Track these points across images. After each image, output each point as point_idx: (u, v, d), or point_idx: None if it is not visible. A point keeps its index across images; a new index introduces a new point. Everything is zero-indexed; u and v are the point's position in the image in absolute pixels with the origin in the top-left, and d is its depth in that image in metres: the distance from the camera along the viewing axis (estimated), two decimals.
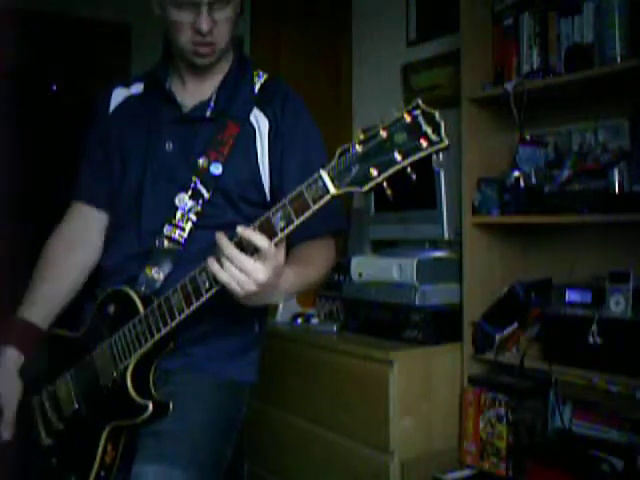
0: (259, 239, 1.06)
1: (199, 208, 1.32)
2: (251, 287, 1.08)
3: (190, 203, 1.32)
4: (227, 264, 1.08)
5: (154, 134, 1.37)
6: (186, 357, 1.33)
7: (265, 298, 1.16)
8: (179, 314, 1.18)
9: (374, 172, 0.97)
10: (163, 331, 1.20)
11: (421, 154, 0.94)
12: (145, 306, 1.24)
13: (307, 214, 1.04)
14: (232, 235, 1.11)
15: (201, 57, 1.33)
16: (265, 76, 1.43)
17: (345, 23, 3.21)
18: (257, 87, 1.40)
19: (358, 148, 0.98)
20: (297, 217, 1.05)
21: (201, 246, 1.28)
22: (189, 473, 1.23)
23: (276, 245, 1.08)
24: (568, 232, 2.21)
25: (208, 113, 1.37)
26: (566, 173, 2.08)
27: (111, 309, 1.30)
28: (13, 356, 1.35)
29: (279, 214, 1.06)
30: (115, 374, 1.25)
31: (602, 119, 2.16)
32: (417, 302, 2.23)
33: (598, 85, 2.02)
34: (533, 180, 2.13)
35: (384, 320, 2.34)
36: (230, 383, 1.37)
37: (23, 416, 1.35)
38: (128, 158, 1.40)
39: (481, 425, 2.17)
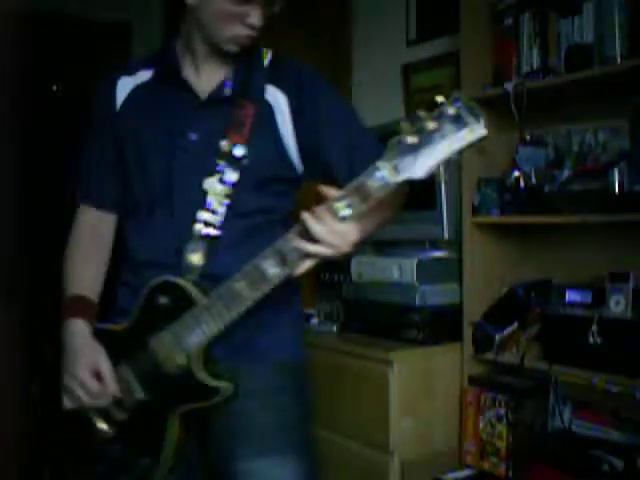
0: (333, 223, 1.12)
1: (229, 191, 1.31)
2: (344, 248, 1.14)
3: (219, 187, 1.31)
4: (323, 231, 1.12)
5: (174, 125, 1.35)
6: (252, 350, 1.34)
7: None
8: (245, 301, 1.20)
9: (428, 161, 1.05)
10: (229, 318, 1.23)
11: (466, 142, 1.03)
12: (204, 294, 1.26)
13: (370, 203, 1.10)
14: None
15: (238, 46, 1.32)
16: (270, 51, 1.42)
17: (345, 23, 3.21)
18: (266, 63, 1.39)
19: (411, 139, 1.05)
20: (364, 205, 1.11)
21: (237, 229, 1.31)
22: (301, 457, 1.35)
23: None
24: (568, 232, 2.21)
25: (226, 93, 1.35)
26: (566, 173, 2.08)
27: (164, 299, 1.30)
28: (84, 324, 1.36)
29: (342, 203, 1.12)
30: (182, 362, 1.27)
31: (602, 119, 2.16)
32: (417, 302, 2.23)
33: (598, 85, 2.02)
34: (533, 180, 2.13)
35: (384, 320, 2.34)
36: (298, 365, 1.42)
37: (75, 412, 1.36)
38: (148, 153, 1.37)
39: (481, 425, 2.17)
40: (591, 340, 1.87)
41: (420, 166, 1.05)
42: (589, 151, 2.13)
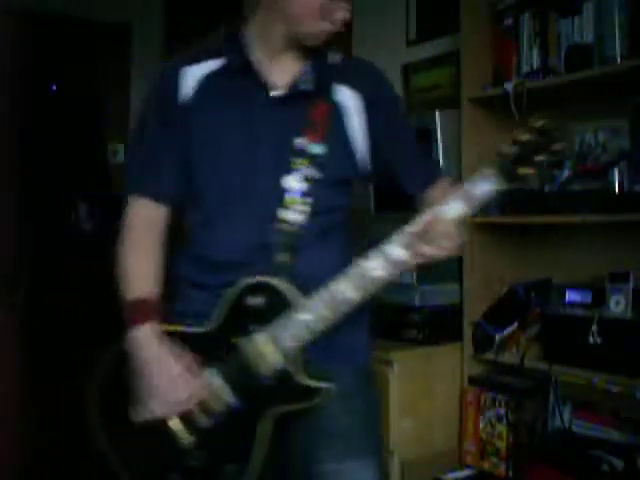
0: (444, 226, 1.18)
1: (309, 190, 1.29)
2: (453, 251, 1.19)
3: (299, 185, 1.28)
4: (433, 233, 1.17)
5: (246, 118, 1.31)
6: (337, 352, 1.31)
7: None
8: (349, 303, 1.20)
9: (526, 170, 1.17)
10: (333, 320, 1.21)
11: (556, 154, 1.18)
12: (301, 295, 1.24)
13: (473, 207, 1.18)
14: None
15: (318, 41, 1.29)
16: (339, 52, 1.39)
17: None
18: (334, 60, 1.37)
19: (508, 150, 1.15)
20: (468, 209, 1.18)
21: (316, 227, 1.29)
22: (378, 459, 1.34)
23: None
24: (568, 232, 2.21)
25: (302, 89, 1.31)
26: (566, 173, 2.08)
27: (256, 300, 1.25)
28: (151, 329, 1.27)
29: (449, 208, 1.18)
30: (279, 364, 1.24)
31: (602, 119, 2.16)
32: (417, 302, 2.23)
33: (598, 85, 2.02)
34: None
35: (384, 320, 2.33)
36: (370, 368, 1.41)
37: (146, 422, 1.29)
38: (218, 146, 1.31)
39: (481, 425, 2.17)
40: (591, 340, 1.87)
41: (516, 176, 1.16)
42: (589, 151, 2.13)
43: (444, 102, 2.59)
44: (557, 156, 1.19)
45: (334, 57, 1.37)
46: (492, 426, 2.13)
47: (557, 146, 1.16)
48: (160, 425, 1.28)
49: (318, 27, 1.27)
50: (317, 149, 1.29)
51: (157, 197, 1.37)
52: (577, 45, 2.03)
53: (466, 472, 2.19)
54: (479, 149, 2.27)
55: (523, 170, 1.16)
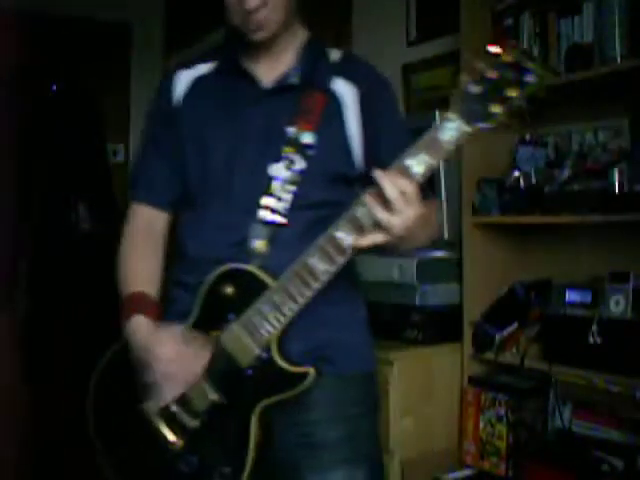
0: (405, 184, 1.08)
1: (296, 179, 1.26)
2: (405, 223, 1.09)
3: (285, 173, 1.26)
4: (395, 190, 1.07)
5: (237, 113, 1.31)
6: (324, 359, 1.28)
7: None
8: (322, 276, 1.16)
9: (497, 108, 1.05)
10: (308, 295, 1.17)
11: (533, 87, 1.08)
12: (272, 277, 1.20)
13: (440, 158, 1.08)
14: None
15: (254, 33, 1.28)
16: (341, 51, 1.39)
17: (345, 23, 3.21)
18: (335, 58, 1.37)
19: (475, 88, 1.06)
20: (435, 160, 1.09)
21: (301, 220, 1.27)
22: (369, 464, 1.31)
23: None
24: (568, 232, 2.21)
25: (293, 81, 1.31)
26: (566, 173, 2.07)
27: (229, 289, 1.23)
28: (147, 320, 1.26)
29: (413, 160, 1.09)
30: (259, 352, 1.21)
31: (602, 119, 2.16)
32: (417, 302, 2.23)
33: (598, 85, 2.02)
34: (533, 180, 2.13)
35: (384, 320, 2.33)
36: (368, 374, 1.38)
37: (137, 428, 1.28)
38: (209, 142, 1.32)
39: (481, 425, 2.17)
40: (591, 340, 1.87)
41: (487, 115, 1.06)
42: (589, 151, 2.13)
43: (444, 102, 2.59)
44: (529, 89, 1.08)
45: (334, 53, 1.37)
46: (492, 426, 2.13)
47: (529, 78, 1.06)
48: (150, 429, 1.26)
49: (237, 19, 1.26)
50: (307, 138, 1.27)
51: (154, 204, 1.40)
52: (577, 45, 2.03)
53: (466, 472, 2.19)
54: (480, 149, 2.27)
55: (495, 108, 1.05)
